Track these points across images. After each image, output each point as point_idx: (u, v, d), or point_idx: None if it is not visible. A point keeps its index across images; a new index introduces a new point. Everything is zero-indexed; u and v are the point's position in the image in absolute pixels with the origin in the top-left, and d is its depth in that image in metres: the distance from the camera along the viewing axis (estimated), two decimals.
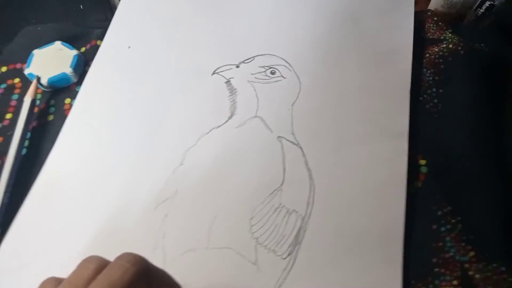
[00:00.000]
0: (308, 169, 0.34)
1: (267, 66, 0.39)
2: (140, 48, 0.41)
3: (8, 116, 0.39)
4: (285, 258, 0.31)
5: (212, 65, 0.39)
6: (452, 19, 0.43)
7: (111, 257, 0.31)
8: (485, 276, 0.29)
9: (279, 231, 0.32)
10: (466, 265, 0.30)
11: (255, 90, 0.38)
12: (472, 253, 0.30)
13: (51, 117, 0.39)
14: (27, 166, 0.36)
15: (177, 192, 0.34)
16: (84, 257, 0.28)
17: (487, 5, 0.41)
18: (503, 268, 0.29)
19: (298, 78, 0.38)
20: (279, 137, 0.36)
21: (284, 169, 0.34)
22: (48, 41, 0.41)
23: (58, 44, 0.41)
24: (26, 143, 0.38)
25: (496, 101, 0.37)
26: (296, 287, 0.30)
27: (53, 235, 0.33)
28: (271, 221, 0.32)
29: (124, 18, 0.43)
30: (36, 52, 0.40)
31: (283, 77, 0.38)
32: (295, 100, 0.37)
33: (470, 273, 0.30)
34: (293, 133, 0.36)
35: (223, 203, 0.33)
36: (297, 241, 0.31)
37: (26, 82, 0.40)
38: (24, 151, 0.37)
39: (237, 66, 0.39)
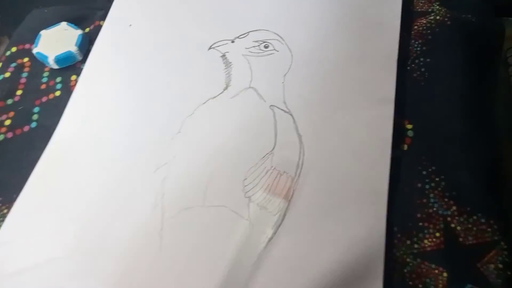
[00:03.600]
0: (299, 135, 0.36)
1: (261, 41, 0.41)
2: (140, 26, 0.43)
3: (19, 92, 0.42)
4: (275, 215, 0.33)
5: (209, 40, 0.41)
6: None
7: (114, 215, 0.34)
8: (466, 228, 0.31)
9: (270, 191, 0.34)
10: (449, 218, 0.32)
11: (249, 63, 0.40)
12: (454, 207, 0.32)
13: (58, 93, 0.41)
14: (37, 138, 0.39)
15: (175, 157, 0.36)
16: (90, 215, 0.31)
17: None
18: (483, 220, 0.31)
19: (290, 51, 0.40)
20: (271, 106, 0.38)
21: (276, 135, 0.36)
22: (54, 22, 0.44)
23: (63, 24, 0.43)
24: (35, 117, 0.40)
25: (483, 69, 0.39)
26: (285, 241, 0.32)
27: (62, 198, 0.35)
28: (263, 181, 0.34)
29: None
30: (43, 32, 0.43)
31: (276, 50, 0.40)
32: (287, 72, 0.39)
33: (452, 225, 0.31)
34: (284, 102, 0.38)
35: (218, 166, 0.35)
36: (287, 199, 0.33)
37: (34, 61, 0.43)
38: (33, 124, 0.40)
39: (232, 41, 0.41)
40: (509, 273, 0.29)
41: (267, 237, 0.32)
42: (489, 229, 0.31)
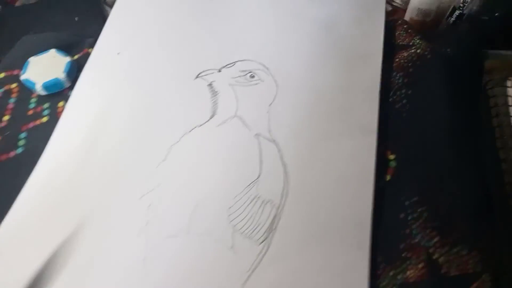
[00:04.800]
0: (283, 163, 0.36)
1: (247, 71, 0.42)
2: (128, 54, 0.44)
3: (6, 118, 0.42)
4: (260, 244, 0.33)
5: (196, 69, 0.42)
6: (428, 27, 0.46)
7: (98, 242, 0.33)
8: (449, 259, 0.31)
9: (255, 219, 0.34)
10: (431, 250, 0.32)
11: (235, 92, 0.40)
12: (436, 239, 0.32)
13: (45, 119, 0.41)
14: (23, 164, 0.38)
15: (160, 185, 0.36)
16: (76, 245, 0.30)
17: (457, 14, 0.44)
18: (465, 251, 0.31)
19: (275, 81, 0.41)
20: (256, 134, 0.38)
21: (261, 163, 0.36)
22: (44, 49, 0.44)
23: (52, 51, 0.44)
24: (22, 142, 0.40)
25: (464, 101, 0.40)
26: (270, 270, 0.32)
27: (45, 225, 0.35)
28: (248, 210, 0.34)
29: (114, 27, 0.46)
30: (32, 59, 0.43)
31: (261, 80, 0.41)
32: (272, 101, 0.40)
33: (435, 256, 0.32)
34: (269, 131, 0.38)
35: (203, 194, 0.35)
36: (271, 228, 0.33)
37: (23, 87, 0.43)
38: (20, 150, 0.40)
39: (219, 71, 0.42)
40: None
41: (252, 266, 0.32)
42: (471, 261, 0.31)
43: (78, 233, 0.34)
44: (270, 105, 0.40)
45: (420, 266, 0.31)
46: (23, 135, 0.40)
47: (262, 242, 0.33)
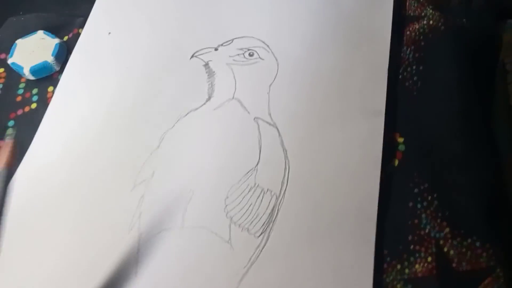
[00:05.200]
0: (284, 149, 0.34)
1: (245, 48, 0.39)
2: (120, 34, 0.41)
3: None
4: (258, 237, 0.31)
5: (191, 48, 0.39)
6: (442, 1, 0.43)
7: (88, 235, 0.32)
8: (460, 252, 0.29)
9: (253, 210, 0.32)
10: (441, 242, 0.30)
11: (233, 72, 0.38)
12: (447, 229, 0.30)
13: (34, 106, 0.40)
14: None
15: (154, 174, 0.34)
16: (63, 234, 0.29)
17: None
18: (478, 244, 0.29)
19: (276, 59, 0.38)
20: (255, 118, 0.36)
21: (260, 150, 0.34)
22: (32, 31, 0.42)
23: (40, 33, 0.41)
24: (10, 131, 0.38)
25: (483, 78, 0.37)
26: (269, 265, 0.30)
27: (35, 215, 0.34)
28: (246, 200, 0.32)
29: (105, 5, 0.43)
30: (19, 42, 0.41)
31: (261, 58, 0.38)
32: (273, 81, 0.37)
33: (445, 249, 0.30)
34: (270, 114, 0.36)
35: (198, 184, 0.33)
36: (270, 220, 0.31)
37: (10, 71, 0.41)
38: (7, 138, 0.38)
39: (216, 49, 0.39)
40: None
41: (250, 261, 0.30)
42: (484, 254, 0.29)
43: (67, 225, 0.33)
44: (270, 85, 0.37)
45: (429, 259, 0.29)
46: (11, 123, 0.38)
47: (261, 234, 0.31)
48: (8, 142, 0.27)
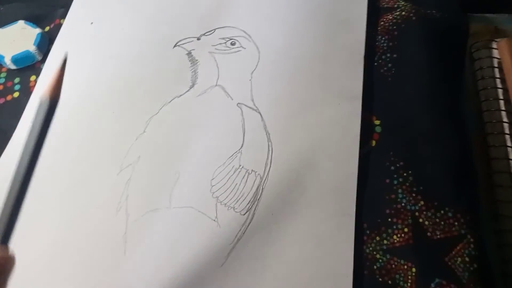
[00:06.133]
0: (267, 132, 0.35)
1: (227, 38, 0.40)
2: (102, 23, 0.42)
3: None
4: (243, 214, 0.32)
5: (174, 37, 0.40)
6: None
7: (77, 216, 0.33)
8: (434, 222, 0.31)
9: (238, 190, 0.33)
10: (417, 213, 0.32)
11: (215, 60, 0.39)
12: (422, 202, 0.32)
13: (16, 94, 0.40)
14: None
15: (140, 158, 0.35)
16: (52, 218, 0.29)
17: None
18: (450, 214, 0.31)
19: (257, 48, 0.39)
20: (239, 103, 0.37)
21: (244, 133, 0.35)
22: (12, 20, 0.42)
23: (21, 23, 0.41)
24: None
25: (449, 63, 0.39)
26: (254, 240, 0.31)
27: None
28: (231, 181, 0.33)
29: None
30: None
31: (242, 47, 0.40)
32: (254, 69, 0.38)
33: (420, 220, 0.31)
34: (252, 100, 0.37)
35: (185, 166, 0.34)
36: (255, 199, 0.33)
37: None
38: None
39: (198, 39, 0.40)
40: (475, 265, 0.29)
41: (236, 237, 0.31)
42: (456, 223, 0.31)
43: (55, 210, 0.33)
44: (252, 73, 0.38)
45: (405, 230, 0.31)
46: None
47: (246, 212, 0.32)
48: (57, 71, 0.24)
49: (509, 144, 0.36)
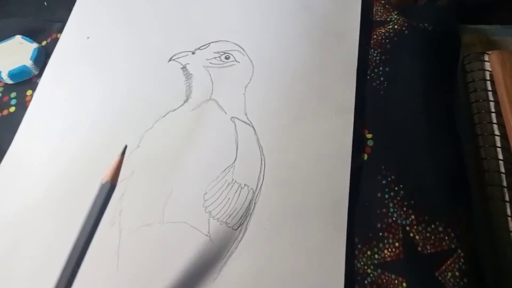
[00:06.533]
0: (260, 147, 0.36)
1: (222, 52, 0.40)
2: (98, 38, 0.42)
3: None
4: (236, 229, 0.32)
5: (168, 51, 0.41)
6: (406, 2, 0.45)
7: (70, 230, 0.33)
8: (425, 237, 0.31)
9: (231, 205, 0.33)
10: (407, 228, 0.32)
11: (210, 74, 0.39)
12: (413, 216, 0.32)
13: (12, 109, 0.40)
14: None
15: (133, 173, 0.35)
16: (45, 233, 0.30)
17: None
18: (441, 228, 0.31)
19: (251, 62, 0.40)
20: (232, 117, 0.37)
21: (237, 147, 0.36)
22: (9, 35, 0.42)
23: (18, 38, 0.42)
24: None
25: (441, 76, 0.39)
26: (246, 255, 0.31)
27: (16, 216, 0.34)
28: (224, 195, 0.34)
29: (83, 10, 0.44)
30: None
31: (236, 61, 0.40)
32: (248, 83, 0.39)
33: (411, 234, 0.32)
34: (246, 114, 0.37)
35: (178, 181, 0.35)
36: (247, 213, 0.33)
37: None
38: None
39: (193, 53, 0.41)
40: (465, 280, 0.29)
41: (228, 252, 0.32)
42: (446, 237, 0.31)
43: (48, 224, 0.33)
44: (246, 86, 0.39)
45: (396, 245, 0.31)
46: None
47: (239, 227, 0.32)
48: (118, 158, 0.28)
49: (500, 157, 0.36)
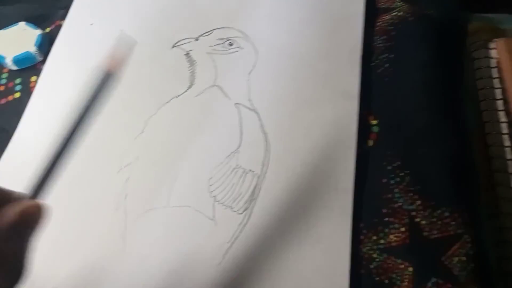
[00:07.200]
0: (264, 132, 0.35)
1: (225, 38, 0.40)
2: (102, 24, 0.42)
3: None
4: (241, 214, 0.32)
5: (172, 38, 0.41)
6: None
7: (76, 215, 0.33)
8: (431, 222, 0.31)
9: (236, 189, 0.33)
10: (413, 213, 0.32)
11: (213, 61, 0.39)
12: (418, 202, 0.32)
13: (18, 95, 0.40)
14: None
15: (138, 158, 0.35)
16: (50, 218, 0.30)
17: None
18: (447, 213, 0.31)
19: (254, 48, 0.40)
20: (236, 103, 0.37)
21: (241, 133, 0.36)
22: (13, 22, 0.42)
23: (22, 24, 0.42)
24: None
25: (447, 63, 0.39)
26: (251, 240, 0.31)
27: None
28: (228, 180, 0.34)
29: None
30: (0, 32, 0.41)
31: (240, 48, 0.40)
32: (252, 69, 0.39)
33: (417, 220, 0.31)
34: (250, 100, 0.37)
35: (182, 166, 0.34)
36: (252, 198, 0.33)
37: None
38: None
39: (196, 39, 0.40)
40: (472, 265, 0.29)
41: (233, 236, 0.31)
42: (453, 222, 0.31)
43: (54, 209, 0.33)
44: (249, 73, 0.38)
45: (402, 230, 0.31)
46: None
47: (243, 212, 0.32)
48: (121, 49, 0.26)
49: (507, 144, 0.36)
